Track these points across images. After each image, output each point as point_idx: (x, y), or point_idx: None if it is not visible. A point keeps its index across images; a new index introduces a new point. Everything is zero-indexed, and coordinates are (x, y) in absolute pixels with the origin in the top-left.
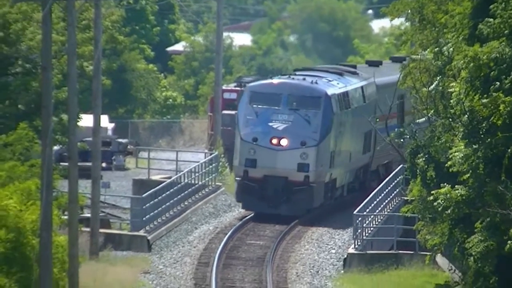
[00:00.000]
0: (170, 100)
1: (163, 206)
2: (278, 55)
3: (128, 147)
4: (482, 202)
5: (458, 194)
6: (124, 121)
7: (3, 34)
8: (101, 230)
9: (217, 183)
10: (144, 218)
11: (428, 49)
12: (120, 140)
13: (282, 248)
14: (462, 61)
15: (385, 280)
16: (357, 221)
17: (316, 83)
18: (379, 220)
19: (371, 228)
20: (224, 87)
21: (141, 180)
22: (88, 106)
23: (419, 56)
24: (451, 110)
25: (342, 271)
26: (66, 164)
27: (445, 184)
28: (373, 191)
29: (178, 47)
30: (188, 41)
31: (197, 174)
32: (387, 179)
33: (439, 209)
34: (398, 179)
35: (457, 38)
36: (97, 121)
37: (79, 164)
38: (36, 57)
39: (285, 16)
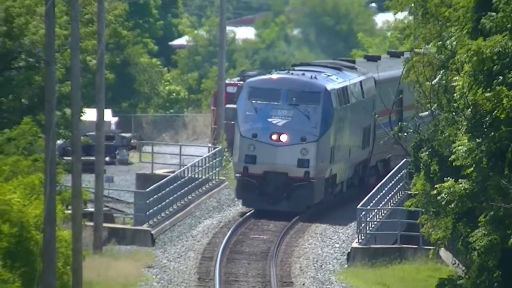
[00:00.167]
0: (174, 94)
1: (167, 200)
2: (282, 49)
3: (132, 141)
4: (485, 196)
5: (462, 188)
6: (127, 115)
7: (6, 28)
8: (105, 225)
9: (220, 177)
10: (147, 213)
11: (431, 43)
12: (123, 134)
13: (285, 243)
14: (465, 55)
15: (388, 274)
16: (361, 215)
17: (316, 78)
18: (382, 214)
19: (375, 222)
20: (227, 81)
21: (144, 174)
22: (92, 100)
23: (422, 50)
24: (454, 104)
25: (346, 265)
26: (70, 158)
27: (449, 178)
28: (372, 187)
29: (182, 41)
30: (191, 35)
31: (200, 168)
32: (390, 173)
33: (443, 203)
34: (401, 173)
35: (461, 32)
36: (100, 115)
37: (82, 158)
38: (39, 51)
39: (289, 10)
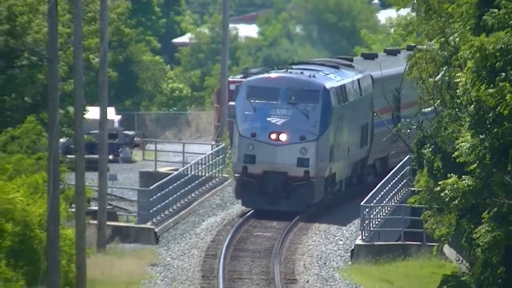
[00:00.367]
0: (177, 92)
1: (170, 198)
2: (284, 46)
3: (135, 139)
4: (489, 193)
5: (465, 185)
6: (130, 113)
7: (9, 26)
8: (108, 223)
9: (224, 175)
10: (151, 211)
11: (434, 39)
12: (126, 132)
13: (289, 240)
14: (468, 51)
15: (392, 271)
16: (364, 212)
17: (314, 76)
18: (386, 211)
19: (378, 219)
20: (230, 79)
21: (148, 172)
22: (95, 98)
23: (425, 47)
24: (457, 100)
25: (350, 262)
26: (73, 156)
27: (452, 174)
28: (370, 185)
29: (184, 38)
30: (194, 32)
31: (204, 166)
32: (394, 169)
33: (446, 199)
34: (404, 170)
35: (464, 28)
36: (103, 113)
37: (86, 156)
38: (42, 50)
39: (291, 7)
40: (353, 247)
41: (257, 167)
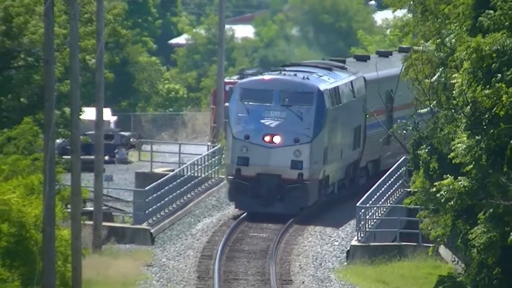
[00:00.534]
0: (173, 92)
1: (166, 199)
2: (281, 47)
3: (131, 140)
4: (485, 193)
5: (461, 186)
6: (126, 114)
7: (5, 27)
8: (104, 223)
9: (220, 176)
10: (147, 211)
11: (430, 41)
12: (122, 133)
13: (285, 241)
14: (464, 52)
15: (388, 271)
16: (360, 213)
17: (308, 78)
18: (382, 212)
19: (374, 220)
20: (226, 80)
21: (144, 173)
22: (91, 99)
23: (421, 48)
24: (453, 101)
25: (345, 263)
26: (69, 157)
27: (448, 175)
28: (362, 187)
29: (181, 39)
30: (191, 33)
31: (200, 167)
32: (390, 170)
33: (442, 200)
34: (400, 171)
35: (460, 29)
36: (99, 114)
37: (82, 157)
38: (38, 51)
39: (287, 8)
40: (348, 248)
41: (250, 170)
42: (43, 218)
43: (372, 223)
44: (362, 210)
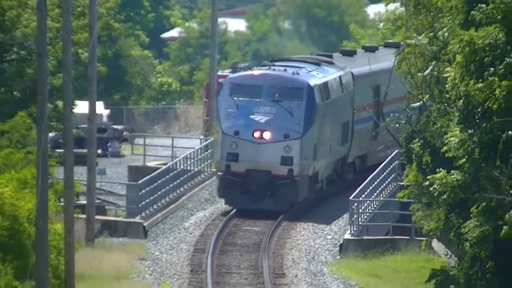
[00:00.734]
0: (165, 86)
1: (159, 193)
2: (273, 41)
3: (124, 133)
4: (478, 187)
5: (454, 179)
6: (119, 107)
7: None
8: (97, 217)
9: (213, 169)
10: (139, 205)
11: (423, 34)
12: (115, 126)
13: (278, 234)
14: (457, 45)
15: (381, 265)
16: (353, 206)
17: (298, 73)
18: (375, 206)
19: (367, 214)
20: (219, 73)
21: (136, 167)
22: (84, 92)
23: (414, 41)
24: (446, 95)
25: (338, 257)
26: (62, 151)
27: (441, 169)
28: (352, 183)
29: (173, 33)
30: (183, 27)
31: (192, 160)
32: (382, 164)
33: (435, 194)
34: (393, 164)
35: (453, 23)
36: (92, 107)
37: (74, 151)
38: (31, 44)
39: (280, 1)
40: (341, 242)
41: (240, 166)
42: (36, 211)
43: (365, 217)
44: (355, 204)
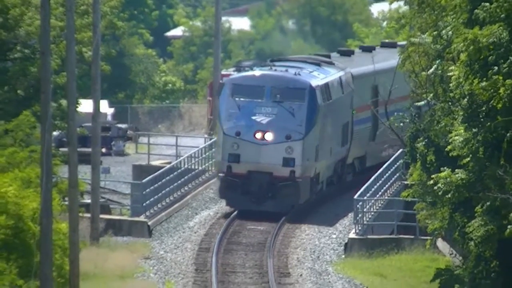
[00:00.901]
0: (169, 85)
1: (163, 192)
2: (277, 39)
3: (128, 132)
4: (482, 186)
5: (458, 178)
6: (123, 106)
7: (1, 19)
8: (102, 216)
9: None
10: (144, 204)
11: (427, 33)
12: (119, 125)
13: (282, 233)
14: (462, 44)
15: (386, 264)
16: (358, 205)
17: (299, 74)
18: (379, 205)
19: (372, 213)
20: (223, 72)
21: (141, 166)
22: (87, 91)
23: (418, 40)
24: (450, 94)
25: (343, 256)
26: (66, 149)
27: (445, 168)
28: (349, 184)
29: (177, 31)
30: (187, 25)
31: (197, 159)
32: (387, 163)
33: (439, 193)
34: (398, 164)
35: (457, 21)
36: (96, 106)
37: (78, 149)
38: (34, 43)
39: (284, 0)
40: (346, 241)
41: (241, 167)
42: (40, 210)
43: (369, 216)
44: (360, 203)
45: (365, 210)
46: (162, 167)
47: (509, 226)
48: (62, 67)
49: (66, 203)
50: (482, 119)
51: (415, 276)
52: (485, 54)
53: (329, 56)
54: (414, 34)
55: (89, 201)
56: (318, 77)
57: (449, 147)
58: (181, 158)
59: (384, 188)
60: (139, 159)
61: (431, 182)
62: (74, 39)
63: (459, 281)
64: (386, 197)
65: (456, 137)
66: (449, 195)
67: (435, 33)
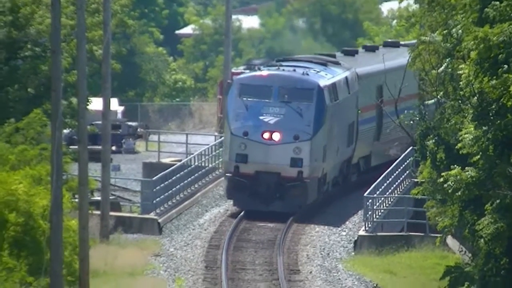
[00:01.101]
0: (180, 83)
1: (173, 189)
2: (288, 38)
3: (138, 130)
4: (492, 184)
5: (468, 176)
6: (133, 104)
7: (12, 18)
8: (112, 213)
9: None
10: (154, 201)
11: (437, 31)
12: (130, 123)
13: (292, 231)
14: (472, 42)
15: (395, 262)
16: (368, 203)
17: (307, 74)
18: (389, 202)
19: (382, 210)
20: (233, 70)
21: (151, 163)
22: (98, 89)
23: (428, 38)
24: (460, 92)
25: (353, 253)
26: (76, 147)
27: (455, 166)
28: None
29: (187, 30)
30: (197, 24)
31: (207, 157)
32: (397, 160)
33: (449, 191)
34: (408, 161)
35: (467, 20)
36: (106, 104)
37: (89, 147)
38: (45, 41)
39: None
40: (356, 238)
41: (249, 167)
42: (51, 208)
43: (379, 213)
44: (370, 200)
45: (375, 207)
46: (172, 165)
47: None
48: (73, 65)
49: (76, 200)
50: (492, 117)
51: (424, 274)
52: (495, 52)
53: (334, 56)
54: (424, 32)
55: (99, 198)
56: (325, 77)
57: (459, 145)
58: (191, 156)
59: (394, 185)
60: (149, 157)
61: (441, 179)
62: (84, 37)
63: (469, 278)
64: (396, 195)
65: (466, 135)
66: (459, 193)
67: (445, 31)
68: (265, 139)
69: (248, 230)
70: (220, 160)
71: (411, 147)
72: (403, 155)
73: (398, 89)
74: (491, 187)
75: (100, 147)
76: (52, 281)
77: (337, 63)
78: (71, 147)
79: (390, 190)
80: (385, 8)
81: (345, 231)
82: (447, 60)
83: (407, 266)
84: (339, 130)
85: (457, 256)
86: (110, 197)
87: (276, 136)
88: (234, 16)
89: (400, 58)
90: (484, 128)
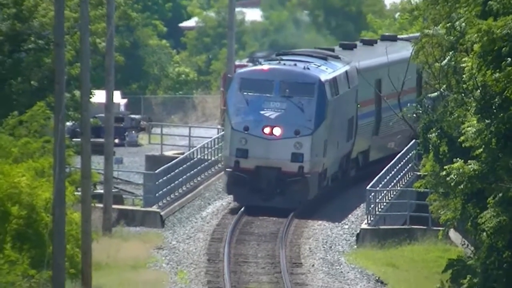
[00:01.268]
0: (183, 75)
1: (176, 182)
2: (291, 31)
3: (141, 123)
4: (495, 177)
5: (471, 169)
6: (136, 97)
7: (15, 10)
8: (114, 206)
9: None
10: (157, 194)
11: (440, 24)
12: (133, 116)
13: (295, 224)
14: (476, 35)
15: (398, 255)
16: (370, 196)
17: (308, 68)
18: (392, 196)
19: (384, 203)
20: (237, 63)
21: (154, 156)
22: (101, 82)
23: (431, 31)
24: (463, 85)
25: (355, 246)
26: (79, 140)
27: (458, 159)
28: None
29: (191, 22)
30: (201, 16)
31: (210, 150)
32: (399, 154)
33: (452, 184)
34: (410, 154)
35: (470, 13)
36: (110, 97)
37: (92, 140)
38: (48, 34)
39: None
40: (358, 231)
41: (249, 162)
42: (53, 201)
43: (382, 207)
44: (372, 194)
45: (377, 200)
46: (175, 158)
47: None
48: (76, 58)
49: (79, 193)
50: (495, 110)
51: (427, 267)
52: (499, 45)
53: (333, 50)
54: (427, 25)
55: (102, 191)
56: (326, 72)
57: (462, 138)
58: (194, 148)
59: (397, 178)
60: (152, 150)
61: (444, 173)
62: (88, 30)
63: (471, 271)
64: (399, 188)
65: (469, 128)
66: (462, 186)
67: (448, 24)
68: (265, 134)
69: (250, 223)
70: (223, 153)
71: (413, 140)
72: (405, 148)
73: (396, 83)
74: (493, 180)
75: (103, 140)
76: (54, 274)
77: (337, 57)
78: (74, 139)
79: (392, 183)
80: (388, 0)
81: (347, 224)
82: (450, 53)
83: (409, 259)
84: (340, 124)
85: (459, 249)
86: (113, 190)
87: (277, 131)
88: (237, 9)
89: (398, 52)
90: (487, 121)
